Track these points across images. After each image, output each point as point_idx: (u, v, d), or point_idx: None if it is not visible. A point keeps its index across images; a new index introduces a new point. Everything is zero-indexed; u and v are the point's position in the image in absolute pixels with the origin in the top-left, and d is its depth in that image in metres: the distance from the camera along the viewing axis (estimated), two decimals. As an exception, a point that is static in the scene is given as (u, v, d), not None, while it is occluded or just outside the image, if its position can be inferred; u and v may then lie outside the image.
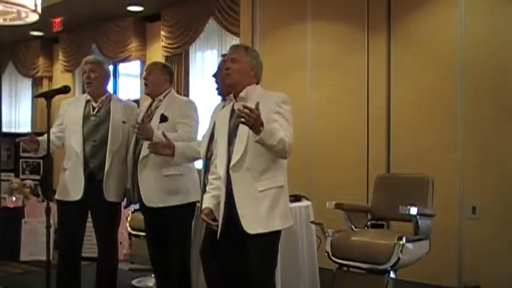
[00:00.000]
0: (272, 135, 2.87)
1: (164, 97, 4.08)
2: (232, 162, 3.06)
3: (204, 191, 3.63)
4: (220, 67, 3.79)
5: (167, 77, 4.16)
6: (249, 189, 3.02)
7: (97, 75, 4.13)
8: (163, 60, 7.44)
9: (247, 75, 3.19)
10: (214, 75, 3.85)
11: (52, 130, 3.94)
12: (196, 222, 4.09)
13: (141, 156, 3.92)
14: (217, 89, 3.84)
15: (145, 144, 3.86)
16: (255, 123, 2.80)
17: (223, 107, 3.71)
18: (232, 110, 3.21)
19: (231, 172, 3.07)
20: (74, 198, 3.99)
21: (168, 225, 3.99)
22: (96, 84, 4.14)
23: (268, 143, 2.87)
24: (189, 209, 4.03)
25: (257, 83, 3.25)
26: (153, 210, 3.98)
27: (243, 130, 3.05)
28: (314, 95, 6.15)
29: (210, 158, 3.49)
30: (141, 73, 8.56)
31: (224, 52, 4.30)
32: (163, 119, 3.95)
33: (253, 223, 3.01)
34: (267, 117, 2.95)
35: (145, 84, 4.13)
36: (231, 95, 3.60)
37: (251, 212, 3.02)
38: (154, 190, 3.93)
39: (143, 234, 4.55)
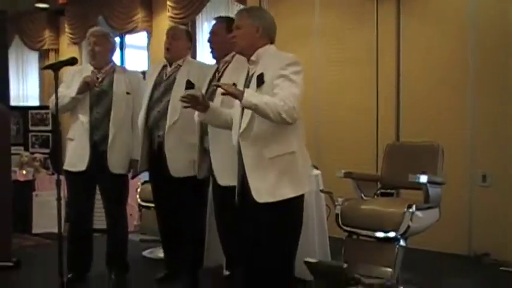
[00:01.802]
0: (255, 95, 2.85)
1: (183, 62, 4.04)
2: (240, 130, 3.01)
3: (201, 154, 3.64)
4: (213, 30, 3.77)
5: (189, 44, 4.13)
6: (258, 157, 2.95)
7: (101, 48, 4.11)
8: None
9: (254, 38, 3.07)
10: (209, 40, 3.82)
11: (60, 90, 3.87)
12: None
13: (167, 125, 3.87)
14: (211, 52, 3.82)
15: (172, 111, 3.84)
16: (234, 92, 2.84)
17: (217, 68, 3.73)
18: (247, 74, 3.14)
19: (240, 140, 3.02)
20: (80, 169, 4.01)
21: (184, 195, 3.96)
22: (100, 57, 4.13)
23: (254, 101, 2.81)
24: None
25: (271, 42, 3.13)
26: (171, 180, 3.93)
27: None
28: (322, 67, 6.10)
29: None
30: (148, 44, 8.54)
31: (218, 15, 4.23)
32: (190, 85, 3.87)
33: (261, 192, 2.95)
34: (272, 83, 2.92)
35: (167, 49, 4.04)
36: (226, 57, 3.57)
37: (260, 180, 2.95)
38: (182, 160, 3.88)
39: (153, 205, 4.55)
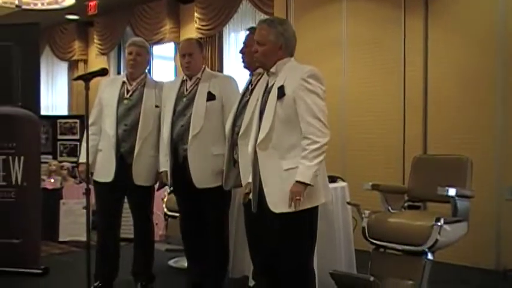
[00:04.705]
0: (305, 166, 2.89)
1: (201, 74, 4.06)
2: (258, 140, 3.04)
3: (230, 165, 3.64)
4: (246, 42, 3.77)
5: (203, 54, 4.19)
6: (274, 168, 2.98)
7: (142, 59, 4.20)
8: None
9: (275, 54, 3.12)
10: (241, 51, 3.82)
11: (90, 135, 3.86)
12: (233, 203, 4.12)
13: (190, 137, 3.88)
14: (243, 62, 3.82)
15: (194, 123, 3.86)
16: (302, 190, 2.88)
17: (251, 82, 3.70)
18: (266, 85, 3.18)
19: (257, 150, 3.05)
20: (106, 180, 4.06)
21: (207, 205, 3.98)
22: (140, 67, 4.20)
23: (311, 171, 2.88)
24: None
25: (291, 55, 3.18)
26: (195, 191, 3.93)
27: (270, 107, 3.03)
28: (349, 75, 6.09)
29: (238, 133, 3.46)
30: (175, 55, 8.61)
31: (251, 26, 4.25)
32: (211, 97, 3.94)
33: (277, 202, 2.98)
34: (293, 95, 2.96)
35: (187, 67, 4.03)
36: (259, 70, 3.59)
37: (276, 190, 2.98)
38: (205, 171, 3.89)
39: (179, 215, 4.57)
